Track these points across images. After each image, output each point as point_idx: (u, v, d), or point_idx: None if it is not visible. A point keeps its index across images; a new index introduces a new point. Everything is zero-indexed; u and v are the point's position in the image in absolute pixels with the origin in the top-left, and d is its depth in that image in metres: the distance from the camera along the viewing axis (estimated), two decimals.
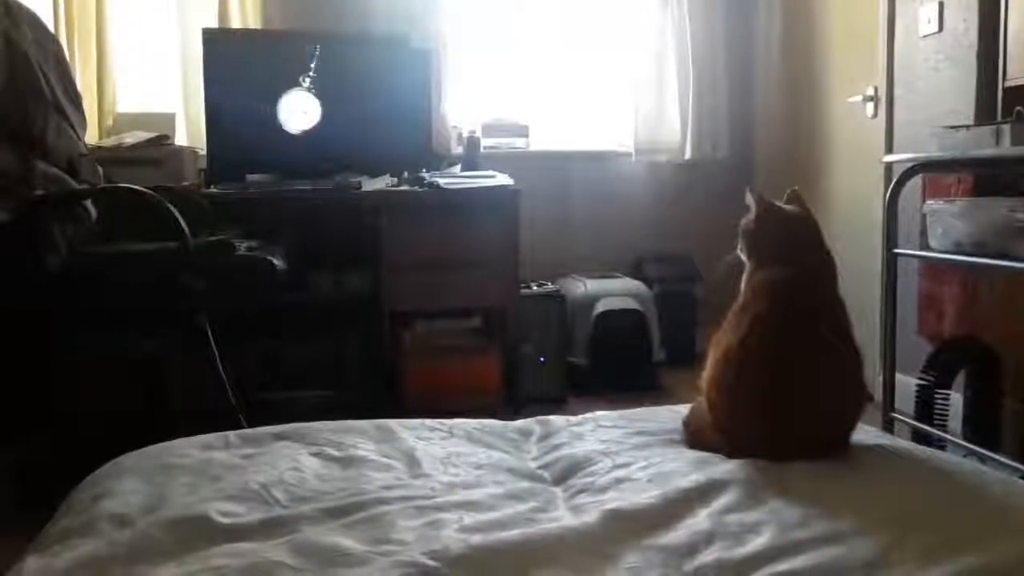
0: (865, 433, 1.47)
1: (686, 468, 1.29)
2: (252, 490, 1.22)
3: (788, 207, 1.55)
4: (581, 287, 3.78)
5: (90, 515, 1.17)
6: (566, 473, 1.36)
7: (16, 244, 2.31)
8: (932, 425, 2.47)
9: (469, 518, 1.13)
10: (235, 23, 3.69)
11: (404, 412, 2.94)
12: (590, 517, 1.14)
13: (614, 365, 3.67)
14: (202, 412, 2.39)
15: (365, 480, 1.27)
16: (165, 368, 2.77)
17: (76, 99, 2.73)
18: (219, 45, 3.35)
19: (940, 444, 2.33)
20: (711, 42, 4.26)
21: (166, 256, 2.39)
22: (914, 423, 2.48)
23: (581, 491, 1.27)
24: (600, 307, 3.68)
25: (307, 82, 3.36)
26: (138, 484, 1.27)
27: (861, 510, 1.13)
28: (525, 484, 1.30)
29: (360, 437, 1.47)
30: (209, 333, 2.42)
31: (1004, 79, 2.71)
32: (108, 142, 3.36)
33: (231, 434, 1.49)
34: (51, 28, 3.05)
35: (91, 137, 3.21)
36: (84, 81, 3.43)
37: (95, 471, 1.37)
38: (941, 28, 3.06)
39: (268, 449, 1.41)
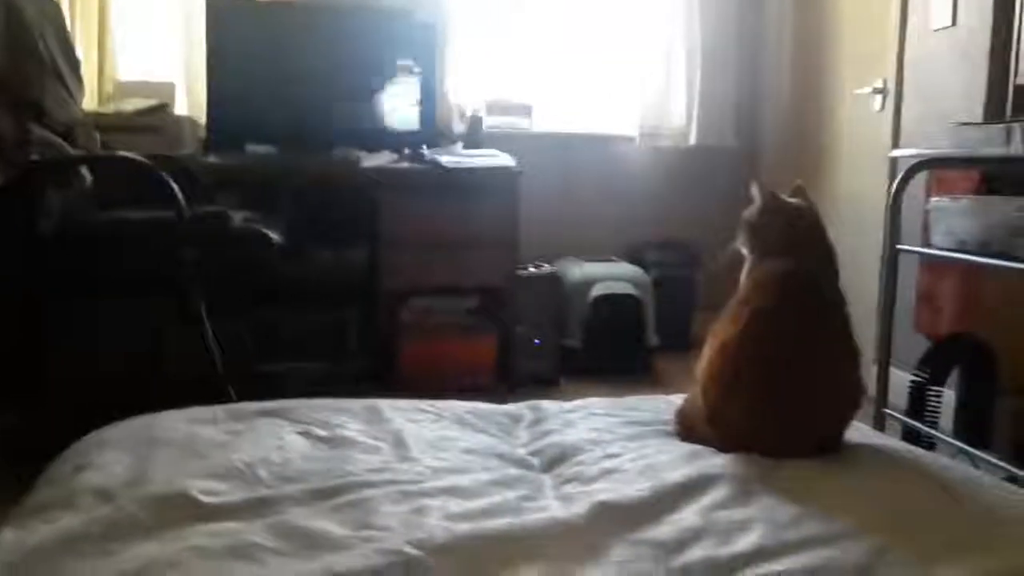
0: (857, 431, 1.46)
1: (677, 461, 1.28)
2: (236, 468, 1.20)
3: (792, 200, 1.53)
4: (578, 270, 3.76)
5: (70, 487, 1.16)
6: (556, 461, 1.34)
7: (10, 209, 2.29)
8: (924, 422, 2.46)
9: (455, 505, 1.12)
10: None
11: (399, 388, 2.95)
12: (579, 508, 1.12)
13: (608, 349, 3.66)
14: (195, 381, 2.38)
15: (351, 462, 1.25)
16: (159, 337, 2.75)
17: (74, 65, 2.70)
18: (222, 14, 3.29)
19: (930, 442, 2.32)
20: (721, 26, 4.21)
21: (160, 225, 2.36)
22: (905, 420, 2.47)
23: (570, 480, 1.26)
24: (596, 291, 3.66)
25: (310, 53, 3.32)
26: (121, 456, 1.25)
27: (852, 511, 1.12)
28: (514, 471, 1.29)
29: (348, 417, 1.45)
30: (201, 304, 2.39)
31: (1016, 77, 2.67)
32: (107, 109, 3.32)
33: (218, 409, 1.47)
34: None
35: (90, 104, 3.17)
36: (84, 47, 3.39)
37: (77, 442, 1.36)
38: (954, 22, 3.02)
39: (254, 426, 1.39)
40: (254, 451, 1.27)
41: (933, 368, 2.52)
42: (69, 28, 2.88)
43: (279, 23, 3.39)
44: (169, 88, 3.50)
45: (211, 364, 2.36)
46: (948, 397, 2.56)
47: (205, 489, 1.13)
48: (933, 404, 2.50)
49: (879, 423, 2.39)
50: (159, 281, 2.45)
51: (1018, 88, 2.65)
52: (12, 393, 2.43)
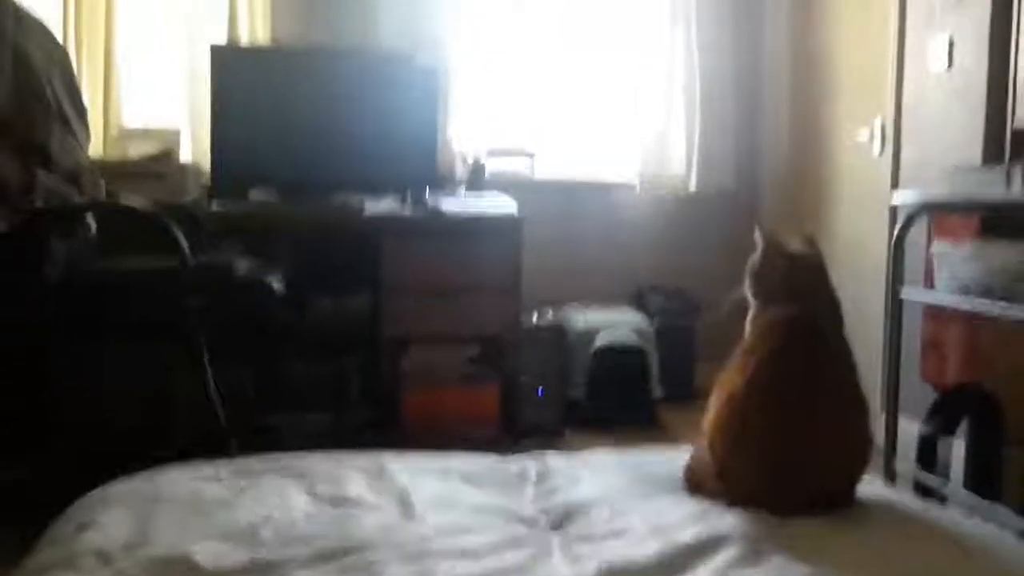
0: (868, 485, 1.44)
1: (686, 519, 1.26)
2: (239, 529, 1.18)
3: (795, 248, 1.52)
4: (581, 319, 3.73)
5: (72, 548, 1.14)
6: (563, 519, 1.32)
7: (15, 256, 2.29)
8: (934, 474, 2.43)
9: (462, 567, 1.10)
10: (245, 39, 3.68)
11: (402, 439, 2.92)
12: (587, 570, 1.10)
13: (612, 400, 3.62)
14: (200, 431, 2.36)
15: (356, 522, 1.23)
16: (163, 387, 2.74)
17: (81, 111, 2.71)
18: (227, 61, 3.34)
19: (942, 495, 2.29)
20: (719, 74, 4.24)
21: (164, 275, 2.36)
22: (915, 472, 2.44)
23: (578, 539, 1.23)
24: (599, 341, 3.63)
25: (313, 99, 3.35)
26: (123, 516, 1.23)
27: (864, 570, 1.10)
28: (521, 530, 1.27)
29: (353, 473, 1.43)
30: (204, 353, 2.38)
31: (1013, 121, 2.68)
32: (112, 156, 3.34)
33: (222, 465, 1.46)
34: (59, 38, 3.04)
35: (95, 150, 3.19)
36: (90, 94, 3.42)
37: (80, 499, 1.34)
38: (950, 65, 3.04)
39: (258, 483, 1.37)
40: (258, 510, 1.25)
41: (941, 419, 2.49)
42: (76, 74, 2.90)
43: (283, 69, 3.43)
44: (174, 135, 3.52)
45: (214, 417, 2.34)
46: (958, 448, 2.53)
47: (207, 552, 1.11)
48: (943, 456, 2.47)
49: (889, 475, 2.36)
50: (164, 330, 2.44)
51: (1016, 132, 2.66)
52: (20, 447, 2.41)
